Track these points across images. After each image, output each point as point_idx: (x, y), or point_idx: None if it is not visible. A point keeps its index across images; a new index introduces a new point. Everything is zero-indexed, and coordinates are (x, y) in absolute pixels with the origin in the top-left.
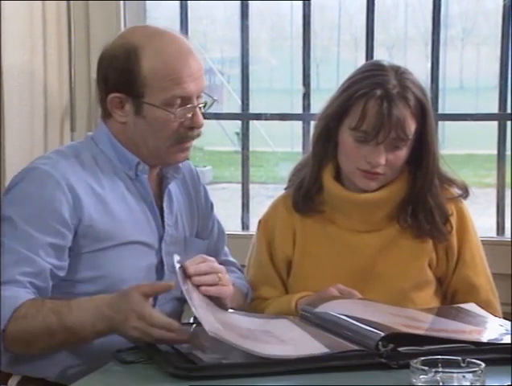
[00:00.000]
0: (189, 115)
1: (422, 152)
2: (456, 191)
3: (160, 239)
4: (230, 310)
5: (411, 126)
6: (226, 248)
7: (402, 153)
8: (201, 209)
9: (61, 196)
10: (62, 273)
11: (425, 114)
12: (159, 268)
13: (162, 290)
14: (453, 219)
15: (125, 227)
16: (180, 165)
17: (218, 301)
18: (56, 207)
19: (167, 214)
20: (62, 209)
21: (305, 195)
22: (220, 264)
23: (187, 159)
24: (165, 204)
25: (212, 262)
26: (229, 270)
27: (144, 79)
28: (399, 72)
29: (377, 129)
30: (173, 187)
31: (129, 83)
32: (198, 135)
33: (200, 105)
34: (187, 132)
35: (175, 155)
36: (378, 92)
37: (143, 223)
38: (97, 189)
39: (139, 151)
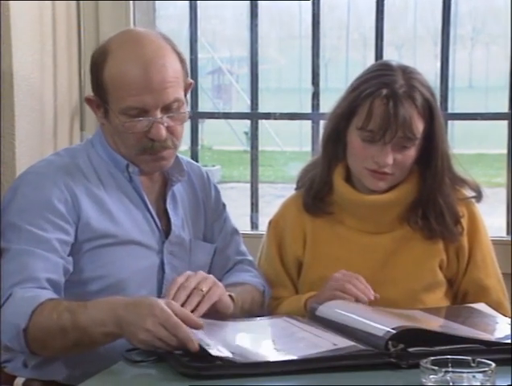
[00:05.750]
0: (146, 128)
1: (430, 152)
2: (468, 193)
3: (160, 240)
4: (230, 323)
5: (419, 126)
6: (243, 247)
7: (411, 153)
8: (210, 212)
9: (59, 194)
10: (71, 268)
11: (433, 114)
12: (160, 270)
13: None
14: (464, 221)
15: (123, 226)
16: (185, 167)
17: (217, 309)
18: (56, 204)
19: (173, 215)
20: (61, 206)
21: (315, 195)
22: (235, 264)
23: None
24: (169, 205)
25: (191, 276)
26: (242, 269)
27: (105, 85)
28: (407, 72)
29: (383, 128)
30: (178, 190)
31: (97, 86)
32: (168, 147)
33: (167, 117)
34: (150, 143)
35: (147, 164)
36: (384, 91)
37: (141, 224)
38: (94, 189)
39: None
